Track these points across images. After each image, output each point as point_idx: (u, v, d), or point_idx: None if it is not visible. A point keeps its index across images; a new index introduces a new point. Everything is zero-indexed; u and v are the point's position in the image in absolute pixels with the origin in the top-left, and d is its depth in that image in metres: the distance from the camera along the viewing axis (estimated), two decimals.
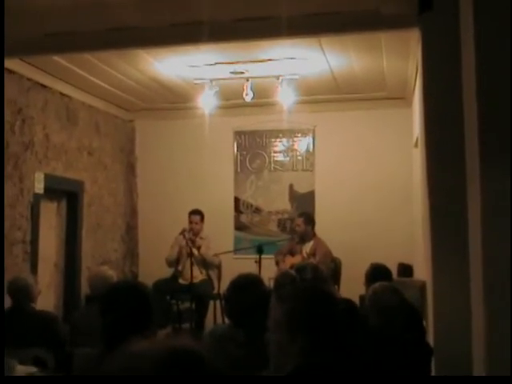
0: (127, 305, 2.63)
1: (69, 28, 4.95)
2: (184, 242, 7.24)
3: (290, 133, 8.43)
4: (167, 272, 7.32)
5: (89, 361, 2.61)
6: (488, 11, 2.40)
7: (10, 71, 5.95)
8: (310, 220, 7.42)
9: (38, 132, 6.50)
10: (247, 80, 6.79)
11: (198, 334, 6.47)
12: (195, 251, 7.16)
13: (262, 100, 7.54)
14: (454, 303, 3.81)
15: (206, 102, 7.20)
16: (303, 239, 7.27)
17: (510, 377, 2.22)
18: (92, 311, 3.62)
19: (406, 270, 6.98)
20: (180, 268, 7.31)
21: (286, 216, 8.38)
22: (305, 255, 7.09)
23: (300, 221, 7.34)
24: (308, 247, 7.18)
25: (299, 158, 8.43)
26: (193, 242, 7.19)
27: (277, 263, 7.21)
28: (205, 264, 7.27)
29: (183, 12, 4.69)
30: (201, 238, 7.38)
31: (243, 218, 8.52)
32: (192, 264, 6.92)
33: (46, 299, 6.53)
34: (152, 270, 7.68)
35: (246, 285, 3.27)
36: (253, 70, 6.53)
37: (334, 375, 2.16)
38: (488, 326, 2.37)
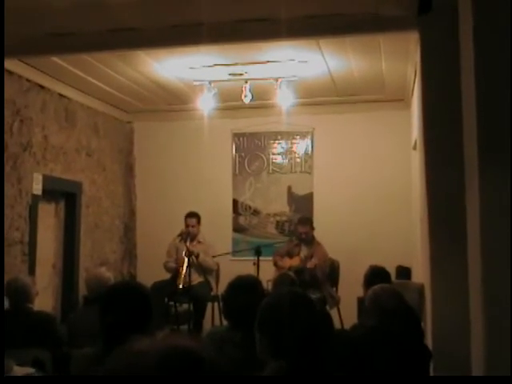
0: (127, 305, 2.62)
1: (68, 29, 4.95)
2: (183, 248, 6.95)
3: (289, 135, 8.43)
4: (165, 274, 7.30)
5: (87, 361, 2.61)
6: (487, 13, 2.40)
7: (9, 72, 5.95)
8: (312, 224, 7.44)
9: (36, 133, 6.50)
10: (246, 82, 6.79)
11: (196, 335, 6.45)
12: (193, 259, 6.96)
13: (261, 102, 7.53)
14: (453, 305, 3.81)
15: (205, 104, 7.20)
16: (306, 242, 7.25)
17: (509, 378, 2.22)
18: (90, 312, 3.62)
19: (404, 272, 6.98)
20: (178, 275, 7.14)
21: (284, 218, 8.38)
22: (302, 257, 7.09)
23: (307, 228, 7.31)
24: (306, 250, 7.18)
25: (298, 160, 8.43)
26: (191, 253, 6.91)
27: (275, 264, 7.21)
28: (203, 270, 7.18)
29: (183, 13, 4.70)
30: (198, 242, 7.24)
31: (241, 220, 8.51)
32: (190, 267, 6.82)
33: (44, 300, 6.52)
34: (150, 271, 7.66)
35: (244, 286, 3.27)
36: (251, 71, 6.53)
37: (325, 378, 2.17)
38: (487, 329, 2.37)
